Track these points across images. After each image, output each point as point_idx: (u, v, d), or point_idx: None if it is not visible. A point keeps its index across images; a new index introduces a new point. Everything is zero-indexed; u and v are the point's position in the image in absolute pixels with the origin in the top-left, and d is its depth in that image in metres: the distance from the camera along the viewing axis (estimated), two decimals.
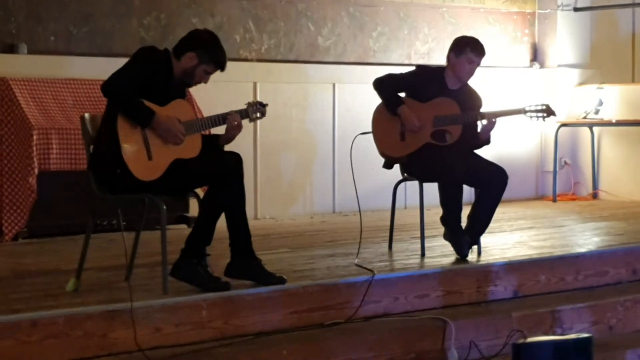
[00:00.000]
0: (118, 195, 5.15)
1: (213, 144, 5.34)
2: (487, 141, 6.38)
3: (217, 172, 5.11)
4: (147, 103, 5.05)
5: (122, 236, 5.09)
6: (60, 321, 4.52)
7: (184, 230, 7.37)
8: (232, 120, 5.27)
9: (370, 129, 6.45)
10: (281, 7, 8.78)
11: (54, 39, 7.67)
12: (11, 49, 7.46)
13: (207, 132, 5.44)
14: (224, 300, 4.99)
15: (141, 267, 5.68)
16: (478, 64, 6.33)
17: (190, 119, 5.22)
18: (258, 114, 5.42)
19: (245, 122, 5.36)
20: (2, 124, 7.11)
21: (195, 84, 5.30)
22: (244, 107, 5.38)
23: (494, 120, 6.27)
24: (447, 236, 6.22)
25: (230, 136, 5.35)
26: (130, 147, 5.02)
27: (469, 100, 6.39)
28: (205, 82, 5.31)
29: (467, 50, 6.27)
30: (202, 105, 7.63)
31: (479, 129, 6.38)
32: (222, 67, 5.27)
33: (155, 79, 5.14)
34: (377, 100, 6.45)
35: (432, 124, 6.28)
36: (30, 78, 7.26)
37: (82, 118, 5.22)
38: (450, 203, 6.15)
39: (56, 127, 7.06)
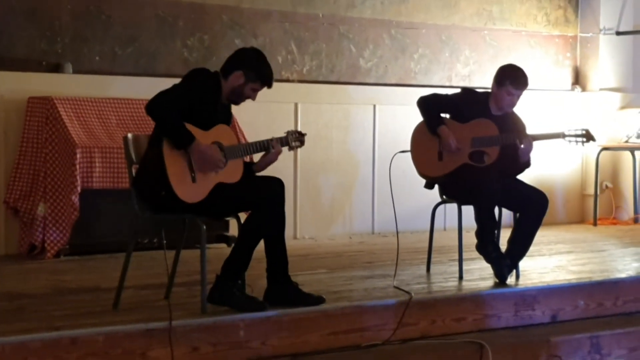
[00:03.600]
0: (159, 215, 5.20)
1: (249, 171, 5.38)
2: (527, 163, 6.37)
3: (260, 198, 5.14)
4: (190, 127, 5.09)
5: (165, 256, 5.14)
6: (100, 339, 4.57)
7: (223, 249, 7.43)
8: (275, 148, 5.31)
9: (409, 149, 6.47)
10: (323, 29, 8.84)
11: (99, 59, 7.78)
12: (57, 69, 7.57)
13: (248, 158, 5.47)
14: (261, 320, 5.02)
15: (180, 285, 5.72)
16: (519, 97, 6.33)
17: (232, 143, 5.27)
18: (298, 143, 5.47)
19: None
20: (46, 142, 7.20)
21: (243, 101, 5.34)
22: (284, 135, 5.43)
23: (530, 141, 6.25)
24: (479, 248, 6.21)
25: (266, 163, 5.39)
26: (175, 169, 5.06)
27: (512, 125, 6.38)
28: (253, 99, 5.35)
29: (507, 83, 6.27)
30: (244, 126, 7.70)
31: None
32: (269, 84, 5.32)
33: (203, 100, 5.17)
34: (417, 121, 6.47)
35: (470, 144, 6.29)
36: (75, 97, 7.36)
37: (125, 138, 5.28)
38: (484, 221, 6.15)
39: (99, 145, 7.15)
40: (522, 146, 6.25)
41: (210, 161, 5.10)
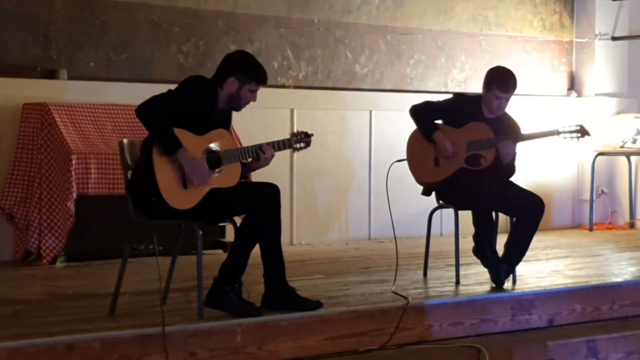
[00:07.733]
0: (154, 220, 5.19)
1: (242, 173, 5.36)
2: (509, 166, 6.32)
3: (255, 203, 5.13)
4: (184, 132, 5.08)
5: (157, 261, 5.12)
6: (96, 345, 4.56)
7: (220, 255, 7.41)
8: (268, 153, 5.30)
9: (405, 156, 6.47)
10: (319, 34, 8.84)
11: (93, 65, 7.77)
12: (52, 75, 7.56)
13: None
14: (258, 325, 5.01)
15: (177, 291, 5.71)
16: (507, 99, 6.32)
17: (230, 147, 5.25)
18: (302, 144, 5.43)
19: (285, 151, 5.37)
20: (41, 148, 7.19)
21: (244, 105, 5.32)
22: (288, 136, 5.41)
23: (508, 142, 6.20)
24: (476, 252, 6.21)
25: (256, 167, 5.38)
26: (165, 175, 5.05)
27: (506, 128, 6.38)
28: (254, 100, 5.32)
29: (494, 87, 6.27)
30: (240, 132, 7.68)
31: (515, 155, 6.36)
32: (264, 82, 5.30)
33: (197, 108, 5.15)
34: (413, 127, 6.48)
35: (465, 148, 6.29)
36: (70, 103, 7.35)
37: (121, 144, 5.27)
38: (482, 224, 6.15)
39: (95, 152, 7.13)
40: (500, 149, 6.20)
41: (196, 172, 5.08)
